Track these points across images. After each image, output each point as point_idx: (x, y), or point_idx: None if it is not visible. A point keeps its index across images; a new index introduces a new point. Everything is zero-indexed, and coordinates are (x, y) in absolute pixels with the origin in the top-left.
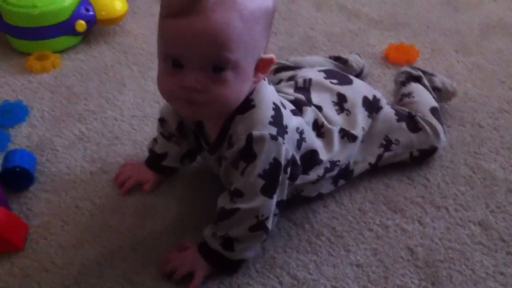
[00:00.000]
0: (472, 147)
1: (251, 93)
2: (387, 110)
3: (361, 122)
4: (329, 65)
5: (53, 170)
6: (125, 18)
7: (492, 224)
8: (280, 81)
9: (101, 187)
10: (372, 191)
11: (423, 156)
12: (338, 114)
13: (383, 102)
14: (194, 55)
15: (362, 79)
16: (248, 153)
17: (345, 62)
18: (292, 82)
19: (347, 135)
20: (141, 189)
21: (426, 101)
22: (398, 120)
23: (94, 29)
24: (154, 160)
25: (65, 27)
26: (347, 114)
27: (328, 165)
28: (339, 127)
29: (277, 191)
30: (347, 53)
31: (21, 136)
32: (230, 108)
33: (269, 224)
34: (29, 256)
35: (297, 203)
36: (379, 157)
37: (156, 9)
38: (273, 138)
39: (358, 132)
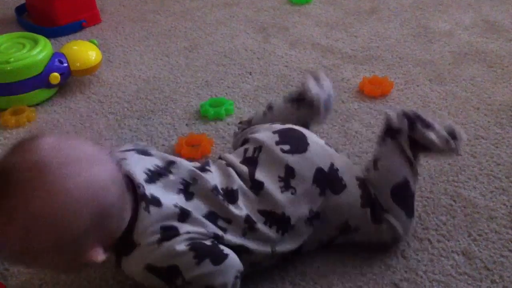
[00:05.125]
0: (451, 176)
1: (131, 232)
2: (352, 191)
3: (305, 206)
4: (292, 111)
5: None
6: (100, 67)
7: (476, 253)
8: (235, 144)
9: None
10: None
11: (384, 246)
12: (282, 192)
13: (348, 174)
14: None
15: (329, 111)
16: (165, 276)
17: (311, 102)
18: (242, 149)
19: (279, 223)
20: None
21: (390, 177)
22: (363, 205)
23: (69, 80)
24: None
25: (39, 81)
26: (292, 193)
27: (268, 252)
28: (270, 218)
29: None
30: None
31: None
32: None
33: None
34: None
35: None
36: (333, 239)
37: (131, 57)
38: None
39: (296, 220)
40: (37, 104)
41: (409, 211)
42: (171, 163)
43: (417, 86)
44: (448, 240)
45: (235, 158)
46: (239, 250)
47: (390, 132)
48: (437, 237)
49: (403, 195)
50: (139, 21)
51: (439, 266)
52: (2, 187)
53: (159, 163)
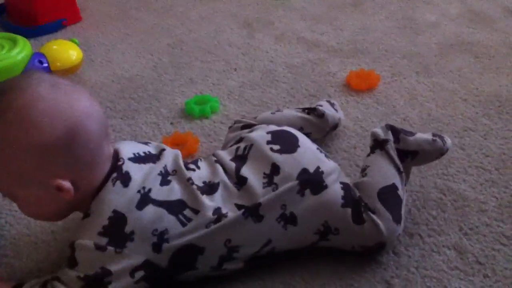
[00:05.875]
0: (440, 169)
1: (92, 199)
2: (334, 190)
3: (281, 199)
4: (300, 122)
5: (13, 232)
6: (81, 67)
7: (467, 247)
8: (228, 142)
9: (62, 246)
10: None
11: (369, 251)
12: (264, 187)
13: (332, 177)
14: None
15: (335, 129)
16: (71, 260)
17: (321, 115)
18: (235, 147)
19: (253, 215)
20: None
21: (378, 180)
22: (344, 205)
23: None
24: None
25: None
26: (273, 190)
27: (224, 253)
28: (242, 210)
29: None
30: (309, 83)
31: None
32: (48, 219)
33: None
34: None
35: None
36: (313, 244)
37: (114, 55)
38: (99, 248)
39: (265, 210)
40: None
41: (396, 216)
42: (162, 151)
43: (404, 78)
44: (439, 235)
45: (226, 155)
46: (188, 250)
47: (377, 144)
48: (427, 232)
49: (390, 198)
50: (120, 18)
51: (430, 262)
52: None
53: (152, 151)
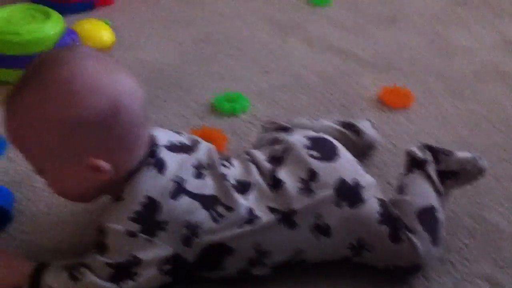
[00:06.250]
0: (474, 198)
1: (125, 183)
2: (371, 206)
3: (317, 208)
4: (336, 134)
5: (33, 209)
6: (111, 49)
7: (500, 281)
8: (261, 142)
9: (82, 227)
10: None
11: (403, 272)
12: (299, 193)
13: (370, 192)
14: None
15: (369, 151)
16: (100, 244)
17: (358, 132)
18: (270, 148)
19: (286, 221)
20: None
21: (417, 200)
22: (380, 222)
23: None
24: None
25: None
26: (308, 196)
27: (253, 256)
28: (276, 215)
29: (133, 284)
30: (340, 94)
31: None
32: (79, 200)
33: None
34: None
35: None
36: (346, 258)
37: (143, 42)
38: (131, 234)
39: (300, 218)
40: None
41: (435, 238)
42: (196, 143)
43: (437, 100)
44: (471, 264)
45: (261, 155)
46: (217, 248)
47: (416, 164)
48: (459, 260)
49: (429, 219)
50: (152, 5)
51: None
52: (44, 61)
53: (186, 142)
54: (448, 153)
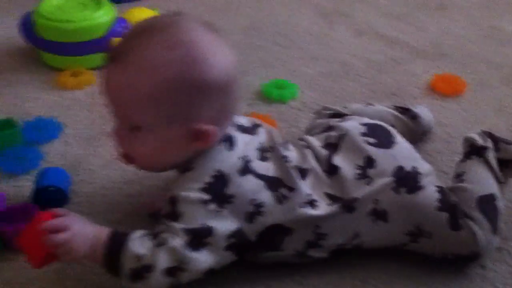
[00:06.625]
0: None
1: (194, 155)
2: (430, 193)
3: (375, 194)
4: (392, 120)
5: (89, 190)
6: None
7: None
8: (314, 129)
9: (138, 209)
10: None
11: (461, 261)
12: (357, 179)
13: (428, 179)
14: (112, 107)
15: (423, 136)
16: (172, 214)
17: (414, 117)
18: (325, 135)
19: (345, 207)
20: None
21: (477, 187)
22: (440, 209)
23: None
24: None
25: (99, 45)
26: (368, 183)
27: (311, 238)
28: (336, 202)
29: (206, 253)
30: (390, 81)
31: (54, 154)
32: (153, 168)
33: (183, 278)
34: (63, 283)
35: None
36: (401, 246)
37: None
38: (203, 202)
39: (360, 204)
40: (95, 68)
41: (495, 227)
42: (257, 126)
43: (490, 88)
44: None
45: (316, 142)
46: (277, 229)
47: (475, 150)
48: None
49: (489, 207)
50: None
51: None
52: (165, 21)
53: (247, 124)
54: (509, 142)
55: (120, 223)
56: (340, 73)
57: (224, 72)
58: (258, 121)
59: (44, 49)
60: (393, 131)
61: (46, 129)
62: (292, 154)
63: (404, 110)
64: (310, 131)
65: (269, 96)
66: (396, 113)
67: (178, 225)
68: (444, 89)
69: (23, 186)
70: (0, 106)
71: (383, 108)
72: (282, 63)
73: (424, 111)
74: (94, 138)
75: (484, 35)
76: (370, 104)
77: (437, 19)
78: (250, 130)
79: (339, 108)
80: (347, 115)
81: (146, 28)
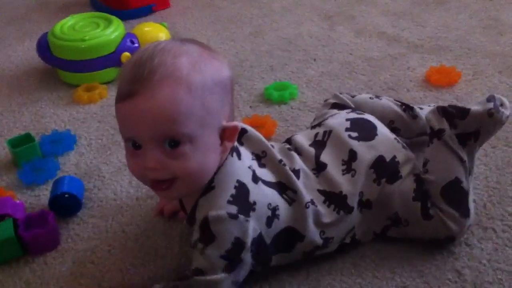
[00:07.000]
0: None
1: (214, 173)
2: (407, 183)
3: (360, 186)
4: (392, 115)
5: (100, 196)
6: None
7: None
8: (317, 119)
9: (146, 212)
10: None
11: (439, 243)
12: (343, 174)
13: (407, 168)
14: (146, 134)
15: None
16: (206, 235)
17: (415, 117)
18: (313, 133)
19: (340, 207)
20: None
21: (440, 177)
22: (414, 199)
23: None
24: None
25: (111, 60)
26: (352, 175)
27: (320, 244)
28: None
29: (236, 269)
30: (387, 77)
31: (69, 164)
32: (199, 183)
33: None
34: (77, 279)
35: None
36: (385, 228)
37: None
38: (232, 217)
39: (351, 200)
40: (108, 82)
41: (463, 211)
42: (244, 132)
43: (486, 77)
44: None
45: (305, 141)
46: (290, 233)
47: (434, 133)
48: (502, 227)
49: (454, 195)
50: (206, 6)
51: (503, 256)
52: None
53: None
54: (463, 115)
55: (130, 225)
56: (339, 72)
57: (228, 72)
58: (243, 125)
59: (60, 67)
60: (376, 123)
61: (62, 142)
62: (283, 157)
63: (407, 108)
64: (314, 121)
65: (270, 97)
66: (398, 109)
67: (213, 253)
68: (439, 81)
69: (41, 196)
70: (21, 124)
71: (387, 102)
72: (284, 66)
73: (427, 114)
74: (105, 148)
75: (483, 27)
76: (377, 97)
77: (436, 14)
78: (238, 139)
79: (344, 97)
80: (345, 106)
81: (151, 53)
